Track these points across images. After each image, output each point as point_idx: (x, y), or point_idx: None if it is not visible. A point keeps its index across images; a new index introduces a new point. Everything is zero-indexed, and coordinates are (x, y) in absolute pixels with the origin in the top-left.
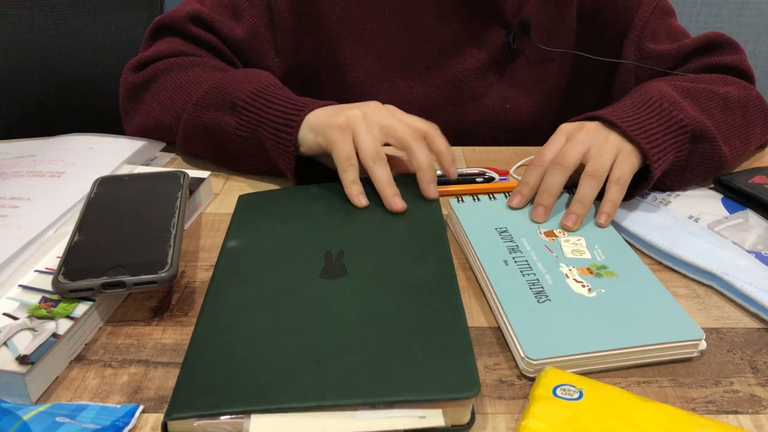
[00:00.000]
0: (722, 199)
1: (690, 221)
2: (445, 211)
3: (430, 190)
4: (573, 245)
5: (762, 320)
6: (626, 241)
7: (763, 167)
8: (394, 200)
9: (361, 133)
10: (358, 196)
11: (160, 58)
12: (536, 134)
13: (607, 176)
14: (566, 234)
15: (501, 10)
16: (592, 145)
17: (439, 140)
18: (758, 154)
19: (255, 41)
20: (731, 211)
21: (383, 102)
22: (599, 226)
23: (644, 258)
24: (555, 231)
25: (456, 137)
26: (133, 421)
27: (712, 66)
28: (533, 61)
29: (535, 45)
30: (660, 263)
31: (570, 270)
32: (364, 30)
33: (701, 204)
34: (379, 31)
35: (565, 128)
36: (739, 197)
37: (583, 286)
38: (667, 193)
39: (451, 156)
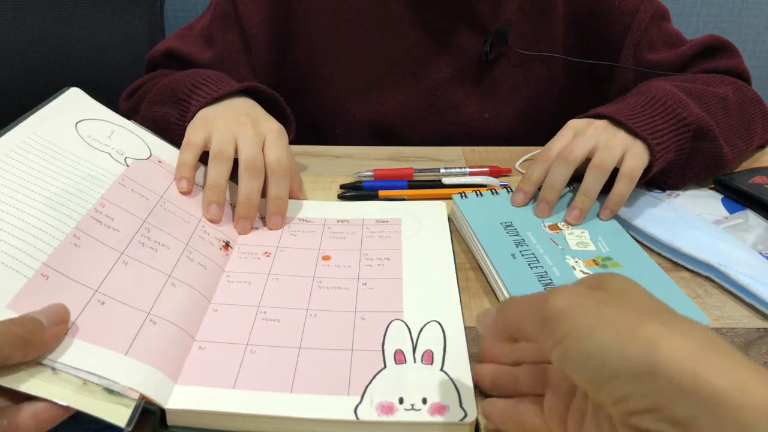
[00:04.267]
0: (722, 200)
1: (691, 214)
2: (448, 208)
3: (239, 225)
4: (577, 237)
5: (763, 318)
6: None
7: (763, 167)
8: (208, 208)
9: (218, 129)
10: (180, 179)
11: (144, 83)
12: (519, 144)
13: (617, 171)
14: (570, 227)
15: (477, 17)
16: (601, 140)
17: (277, 186)
18: (758, 154)
19: (226, 64)
20: (731, 211)
21: (361, 114)
22: (601, 219)
23: (645, 249)
24: (559, 224)
25: (435, 147)
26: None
27: (710, 71)
28: (513, 69)
29: (515, 51)
30: (660, 255)
31: (576, 262)
32: (338, 42)
33: (701, 204)
34: (352, 42)
35: (573, 124)
36: (739, 197)
37: None
38: (668, 192)
39: (278, 207)
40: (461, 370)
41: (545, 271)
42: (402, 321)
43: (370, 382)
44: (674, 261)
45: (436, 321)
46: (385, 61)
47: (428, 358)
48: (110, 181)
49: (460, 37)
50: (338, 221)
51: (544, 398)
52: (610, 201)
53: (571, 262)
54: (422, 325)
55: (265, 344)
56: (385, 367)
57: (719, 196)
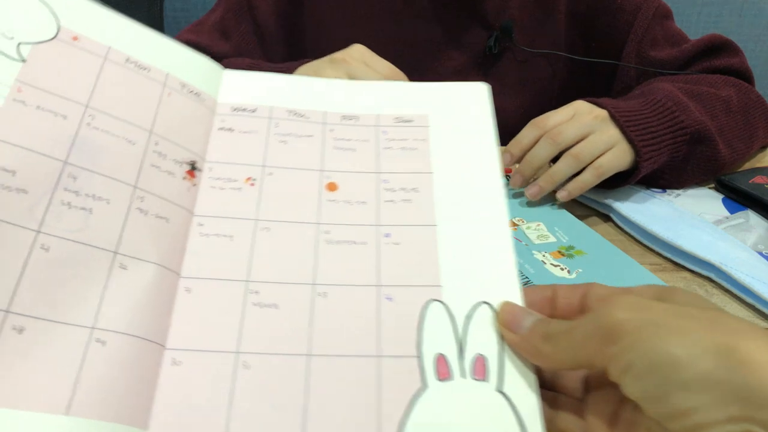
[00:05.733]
0: (723, 200)
1: (692, 214)
2: None
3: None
4: (536, 231)
5: (764, 318)
6: (626, 232)
7: (763, 167)
8: None
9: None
10: None
11: None
12: None
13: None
14: (525, 221)
15: (482, 12)
16: (594, 131)
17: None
18: (759, 154)
19: (244, 56)
20: (732, 211)
21: None
22: (558, 199)
23: (646, 251)
24: (514, 220)
25: None
26: None
27: (713, 69)
28: (517, 65)
29: (520, 47)
30: (660, 255)
31: (544, 255)
32: (347, 34)
33: (702, 204)
34: (359, 35)
35: (578, 105)
36: (739, 197)
37: (562, 269)
38: (668, 192)
39: None
40: (525, 392)
41: (519, 270)
42: (441, 303)
43: (406, 417)
44: (675, 261)
45: (487, 303)
46: (391, 53)
47: (480, 369)
48: None
49: (465, 31)
50: (342, 117)
51: (584, 403)
52: (571, 185)
53: (539, 256)
54: (469, 310)
55: (261, 351)
56: (425, 387)
57: (720, 196)
